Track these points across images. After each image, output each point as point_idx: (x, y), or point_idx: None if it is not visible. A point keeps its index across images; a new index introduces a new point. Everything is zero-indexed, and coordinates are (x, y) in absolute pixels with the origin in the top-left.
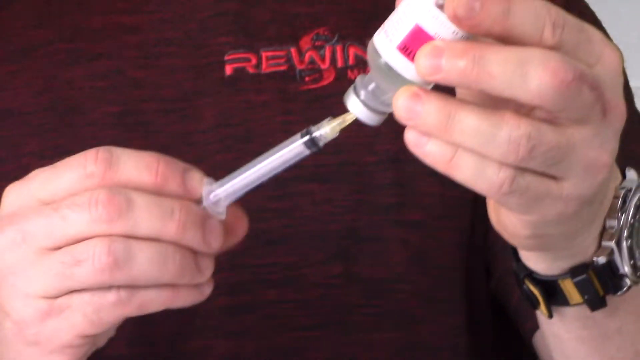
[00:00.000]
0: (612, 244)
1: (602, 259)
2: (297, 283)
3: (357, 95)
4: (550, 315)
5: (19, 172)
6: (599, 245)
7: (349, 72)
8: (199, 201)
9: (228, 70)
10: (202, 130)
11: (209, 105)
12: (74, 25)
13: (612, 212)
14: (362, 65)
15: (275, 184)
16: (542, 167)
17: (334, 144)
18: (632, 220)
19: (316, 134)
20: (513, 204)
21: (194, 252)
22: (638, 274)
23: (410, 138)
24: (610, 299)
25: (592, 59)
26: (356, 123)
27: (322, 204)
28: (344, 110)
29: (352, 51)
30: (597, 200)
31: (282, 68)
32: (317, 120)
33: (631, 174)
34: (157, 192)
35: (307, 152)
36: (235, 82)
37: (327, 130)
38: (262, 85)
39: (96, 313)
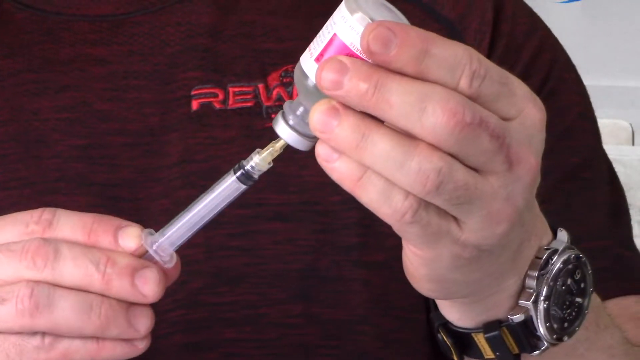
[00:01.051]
0: (529, 303)
1: (517, 317)
2: (257, 322)
3: (286, 121)
4: None
5: None
6: (517, 304)
7: None
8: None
9: (194, 105)
10: (167, 166)
11: (175, 141)
12: (42, 55)
13: (532, 271)
14: None
15: (236, 222)
16: (447, 204)
17: (299, 183)
18: (552, 283)
19: (247, 167)
20: (412, 235)
21: (126, 305)
22: (555, 336)
23: (321, 152)
24: (528, 358)
25: (511, 112)
26: (291, 150)
27: (283, 243)
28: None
29: None
30: (501, 253)
31: (249, 104)
32: (281, 159)
33: (562, 235)
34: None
35: (243, 186)
36: (202, 117)
37: (257, 161)
38: (228, 121)
39: (19, 355)
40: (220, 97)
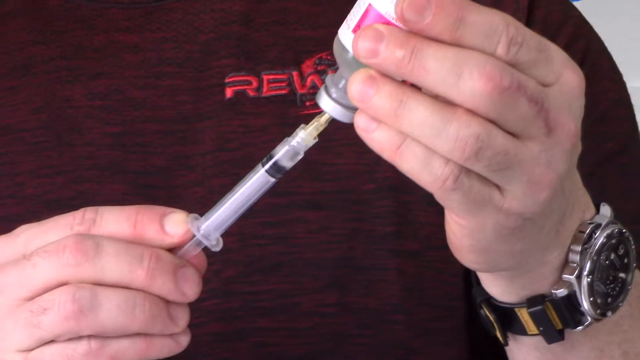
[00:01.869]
0: (572, 277)
1: (561, 292)
2: (291, 311)
3: (329, 94)
4: (505, 343)
5: (14, 190)
6: (560, 279)
7: None
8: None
9: (228, 93)
10: (201, 154)
11: (209, 128)
12: (75, 42)
13: (575, 245)
14: None
15: (270, 211)
16: (488, 171)
17: (333, 171)
18: (595, 257)
19: (294, 143)
20: (454, 202)
21: (166, 301)
22: (598, 311)
23: (360, 122)
24: (571, 334)
25: (549, 78)
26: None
27: (318, 232)
28: (344, 135)
29: None
30: (544, 223)
31: (283, 92)
32: (315, 146)
33: (605, 209)
34: (137, 242)
35: (272, 180)
36: (235, 105)
37: (302, 136)
38: (261, 109)
39: None
40: (254, 84)
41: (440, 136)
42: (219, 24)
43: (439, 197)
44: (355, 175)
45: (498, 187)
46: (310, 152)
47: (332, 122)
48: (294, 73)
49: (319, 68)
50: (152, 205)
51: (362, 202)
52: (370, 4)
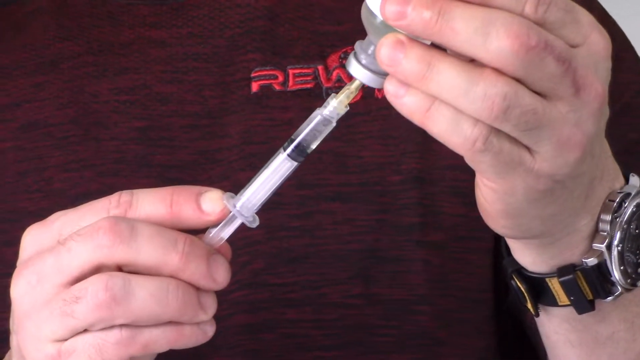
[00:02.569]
0: (602, 246)
1: (591, 261)
2: (317, 302)
3: (359, 60)
4: (537, 314)
5: (42, 184)
6: (590, 248)
7: (377, 91)
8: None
9: (254, 87)
10: (227, 148)
11: (234, 123)
12: (102, 38)
13: (605, 214)
14: None
15: (297, 203)
16: (517, 131)
17: (359, 164)
18: (625, 226)
19: (326, 112)
20: (485, 165)
21: (196, 289)
22: (629, 280)
23: (389, 88)
24: (601, 305)
25: (577, 39)
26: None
27: (343, 223)
28: (370, 128)
29: None
30: (574, 186)
31: (309, 86)
32: (341, 139)
33: (634, 179)
34: (174, 222)
35: (295, 162)
36: (261, 99)
37: (334, 105)
38: (288, 103)
39: (100, 354)
40: (280, 79)
41: (467, 96)
42: (244, 19)
43: (470, 159)
44: (381, 167)
45: (528, 149)
46: (336, 145)
47: (358, 115)
48: (320, 67)
49: (344, 62)
50: (187, 185)
51: (387, 194)
52: None
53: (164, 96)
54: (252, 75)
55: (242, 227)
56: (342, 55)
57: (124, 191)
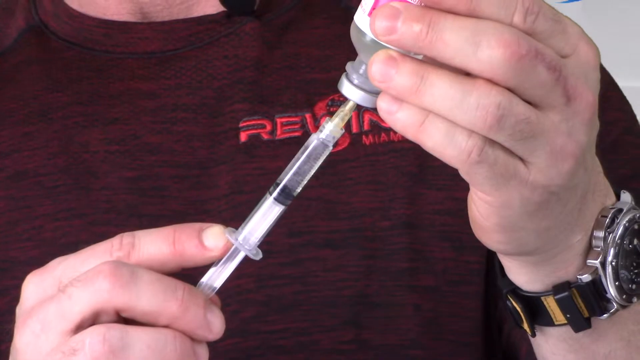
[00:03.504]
0: (596, 262)
1: (585, 278)
2: (309, 349)
3: (350, 81)
4: (533, 334)
5: (32, 233)
6: (585, 264)
7: (364, 138)
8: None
9: (243, 137)
10: (216, 198)
11: (224, 173)
12: (91, 89)
13: (598, 231)
14: (376, 131)
15: (287, 251)
16: (511, 140)
17: (348, 210)
18: (619, 241)
19: (322, 136)
20: (480, 176)
21: (192, 340)
22: (624, 296)
23: (382, 105)
24: (598, 323)
25: (566, 49)
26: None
27: (334, 270)
28: (358, 174)
29: (367, 117)
30: (568, 198)
31: (297, 134)
32: (330, 186)
33: (625, 196)
34: (178, 260)
35: (281, 207)
36: (250, 148)
37: (330, 128)
38: (276, 152)
39: None
40: (268, 128)
41: (461, 107)
42: (232, 70)
43: (465, 171)
44: (370, 213)
45: (522, 160)
46: (325, 192)
47: (346, 162)
48: (307, 115)
49: (331, 109)
50: (188, 223)
51: (377, 240)
52: None
53: (153, 146)
54: (241, 125)
55: (232, 275)
56: (330, 103)
57: (125, 233)
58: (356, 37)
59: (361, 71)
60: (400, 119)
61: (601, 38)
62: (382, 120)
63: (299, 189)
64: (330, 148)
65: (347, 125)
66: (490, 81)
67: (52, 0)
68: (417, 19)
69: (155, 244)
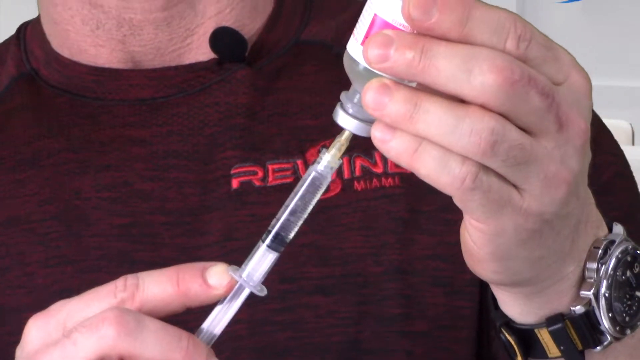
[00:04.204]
0: (589, 294)
1: (579, 309)
2: None
3: (345, 110)
4: None
5: (24, 280)
6: (578, 296)
7: (356, 183)
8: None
9: (234, 184)
10: (208, 244)
11: (216, 220)
12: (82, 136)
13: (591, 262)
14: (368, 177)
15: (279, 297)
16: (505, 167)
17: (340, 256)
18: (612, 272)
19: (320, 167)
20: (474, 204)
21: None
22: (618, 328)
23: (376, 134)
24: (592, 356)
25: (558, 76)
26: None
27: (326, 316)
28: (350, 220)
29: (358, 162)
30: (561, 227)
31: (289, 180)
32: (322, 232)
33: (617, 228)
34: (182, 300)
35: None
36: (242, 195)
37: (328, 159)
38: (268, 198)
39: None
40: (260, 174)
41: (455, 133)
42: (223, 117)
43: (459, 199)
44: (362, 259)
45: (516, 187)
46: (317, 238)
47: (338, 208)
48: (299, 162)
49: None
50: (190, 263)
51: (369, 285)
52: (375, 14)
53: (145, 193)
54: (232, 172)
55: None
56: (321, 149)
57: (129, 275)
58: (349, 66)
59: (355, 100)
60: (394, 147)
61: (601, 38)
62: (374, 166)
63: (300, 222)
64: (329, 180)
65: (339, 171)
66: (484, 107)
67: (43, 48)
68: (410, 46)
69: (159, 285)
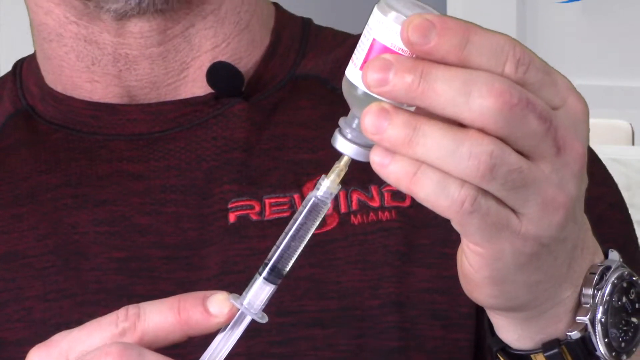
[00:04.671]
0: (586, 319)
1: (575, 335)
2: None
3: (344, 136)
4: None
5: (22, 314)
6: (574, 321)
7: (352, 217)
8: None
9: (231, 218)
10: (206, 278)
11: (213, 254)
12: (80, 171)
13: (587, 288)
14: (365, 211)
15: (277, 330)
16: (503, 190)
17: (337, 289)
18: (608, 298)
19: (319, 193)
20: (473, 227)
21: None
22: (614, 354)
23: (375, 158)
24: None
25: (555, 101)
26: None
27: (323, 349)
28: (347, 253)
29: (355, 196)
30: (558, 252)
31: (286, 214)
32: (319, 266)
33: (613, 254)
34: (184, 329)
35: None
36: (239, 229)
37: (327, 185)
38: (265, 232)
39: None
40: (257, 208)
41: (454, 156)
42: (220, 151)
43: (458, 222)
44: (359, 292)
45: (514, 211)
46: (314, 272)
47: (335, 241)
48: (296, 196)
49: None
50: (191, 292)
51: (366, 319)
52: (374, 39)
53: (143, 227)
54: (229, 206)
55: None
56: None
57: (130, 305)
58: (348, 91)
59: (354, 125)
60: (393, 171)
61: (601, 38)
62: (371, 200)
63: (297, 252)
64: (329, 205)
65: (336, 205)
66: (482, 131)
67: (37, 83)
68: (409, 70)
69: (160, 314)
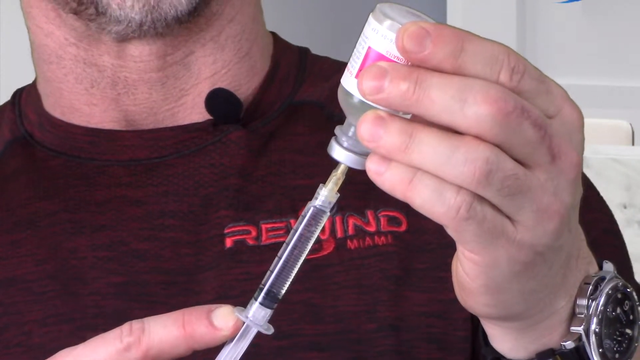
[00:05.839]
0: (580, 329)
1: (569, 345)
2: None
3: (340, 144)
4: None
5: (21, 339)
6: (568, 331)
7: (349, 242)
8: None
9: (228, 243)
10: (204, 303)
11: (210, 278)
12: (78, 197)
13: (581, 298)
14: (361, 235)
15: (274, 354)
16: (499, 196)
17: (334, 313)
18: (602, 308)
19: (318, 203)
20: (468, 234)
21: None
22: None
23: (371, 166)
24: None
25: (550, 109)
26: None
27: None
28: (344, 278)
29: (351, 221)
30: (553, 260)
31: (282, 239)
32: (316, 290)
33: (608, 266)
34: (189, 343)
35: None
36: (235, 254)
37: (325, 194)
38: (262, 257)
39: None
40: (253, 233)
41: (450, 162)
42: (218, 178)
43: (453, 229)
44: (356, 316)
45: (509, 219)
46: (310, 296)
47: (331, 266)
48: (292, 221)
49: None
50: (196, 306)
51: (363, 342)
52: (369, 47)
53: (141, 253)
54: (226, 231)
55: None
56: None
57: (134, 320)
58: (344, 99)
59: (350, 133)
60: (388, 178)
61: (601, 38)
62: (367, 225)
63: (304, 254)
64: (328, 214)
65: (332, 230)
66: (478, 138)
67: (36, 110)
68: (404, 77)
69: (165, 328)
